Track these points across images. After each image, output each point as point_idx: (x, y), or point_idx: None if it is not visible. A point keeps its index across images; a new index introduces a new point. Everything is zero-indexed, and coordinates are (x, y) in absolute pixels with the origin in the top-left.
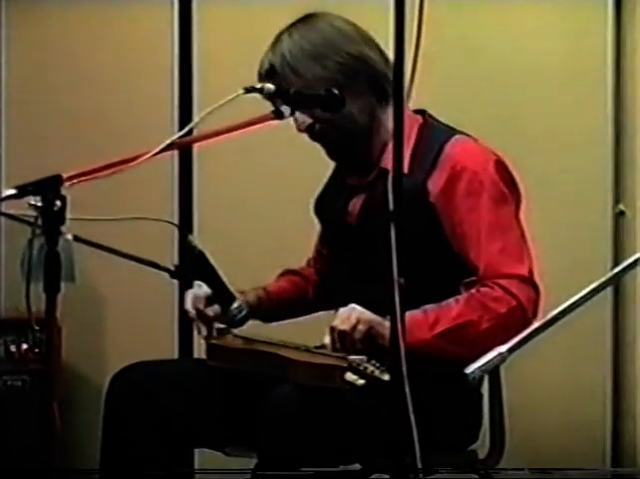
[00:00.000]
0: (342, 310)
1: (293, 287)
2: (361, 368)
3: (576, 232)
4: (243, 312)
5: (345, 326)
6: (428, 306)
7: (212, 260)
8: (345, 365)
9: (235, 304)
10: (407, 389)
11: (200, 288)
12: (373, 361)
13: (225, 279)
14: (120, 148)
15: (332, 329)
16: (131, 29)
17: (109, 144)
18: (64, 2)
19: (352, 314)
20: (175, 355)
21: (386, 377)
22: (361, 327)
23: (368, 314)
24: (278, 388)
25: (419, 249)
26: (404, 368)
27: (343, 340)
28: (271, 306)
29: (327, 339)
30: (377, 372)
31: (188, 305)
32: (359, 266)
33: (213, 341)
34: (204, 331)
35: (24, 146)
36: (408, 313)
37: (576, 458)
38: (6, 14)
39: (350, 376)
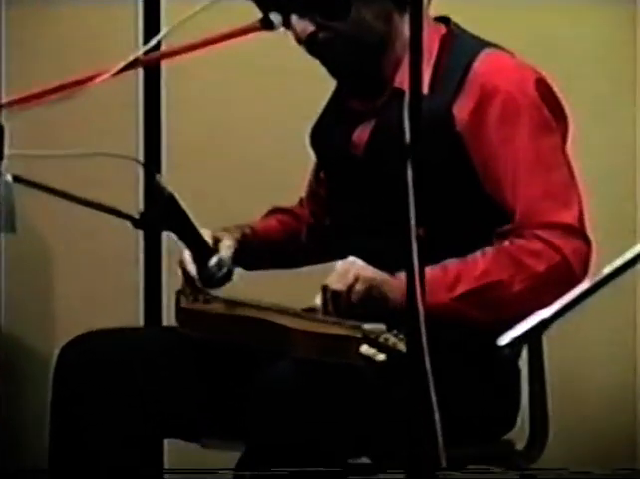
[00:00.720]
0: (339, 265)
1: (284, 228)
2: (380, 340)
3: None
4: (225, 270)
5: (339, 286)
6: (448, 262)
7: (185, 206)
8: (359, 336)
9: (214, 260)
10: (427, 364)
11: None
12: (394, 331)
13: (201, 230)
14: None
15: (324, 289)
16: None
17: None
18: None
19: (350, 271)
20: (140, 323)
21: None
22: (359, 287)
23: (369, 271)
24: (274, 365)
25: (441, 191)
26: (423, 339)
27: (337, 303)
28: (258, 249)
29: (318, 301)
30: (400, 345)
31: (194, 271)
32: (366, 209)
33: (186, 306)
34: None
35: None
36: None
37: (608, 450)
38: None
39: (367, 350)
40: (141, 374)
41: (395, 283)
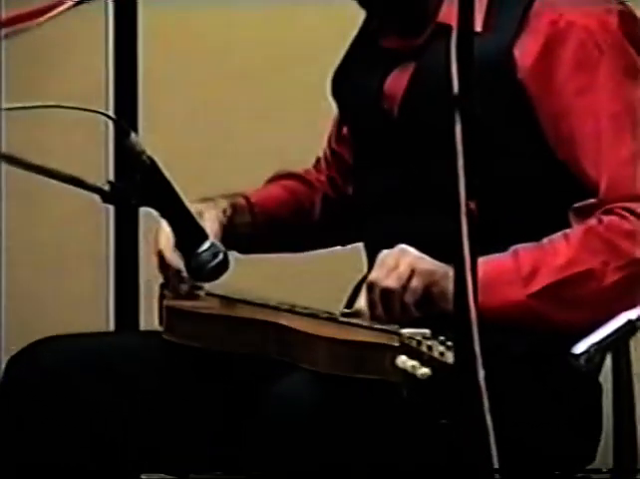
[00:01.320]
0: (386, 255)
1: (292, 198)
2: (423, 349)
3: None
4: (220, 257)
5: (392, 282)
6: (520, 247)
7: (168, 175)
8: (396, 344)
9: (206, 245)
10: (480, 378)
11: None
12: (441, 337)
13: (190, 206)
14: None
15: (371, 286)
16: None
17: None
18: None
19: (402, 262)
20: (110, 326)
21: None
22: (416, 283)
23: (427, 262)
24: (284, 381)
25: (499, 155)
26: (476, 346)
27: (388, 303)
28: (254, 226)
29: (362, 302)
30: (448, 355)
31: (168, 253)
32: (403, 179)
33: (171, 303)
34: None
35: None
36: (486, 260)
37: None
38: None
39: (406, 362)
40: (110, 392)
41: None
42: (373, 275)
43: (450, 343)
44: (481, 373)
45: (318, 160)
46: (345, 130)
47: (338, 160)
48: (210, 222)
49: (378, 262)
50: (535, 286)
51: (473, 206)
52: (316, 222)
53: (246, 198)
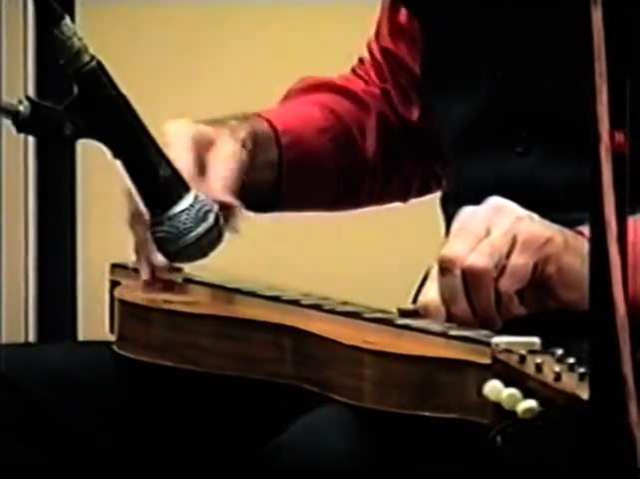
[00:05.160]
0: (470, 215)
1: (334, 123)
2: (528, 370)
3: None
4: (209, 220)
5: (482, 258)
6: None
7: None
8: (485, 361)
9: (188, 201)
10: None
11: None
12: (559, 351)
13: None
14: None
15: (447, 266)
16: None
17: None
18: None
19: (496, 224)
20: (30, 336)
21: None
22: (521, 259)
23: (538, 225)
24: (303, 420)
25: None
26: (627, 367)
27: (477, 293)
28: (282, 167)
29: (433, 292)
30: (572, 381)
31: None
32: (515, 92)
33: (130, 297)
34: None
35: None
36: (637, 220)
37: None
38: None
39: (499, 390)
40: (30, 438)
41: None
42: (450, 249)
43: (579, 364)
44: (634, 412)
45: (361, 61)
46: (403, 15)
47: (392, 64)
48: (228, 162)
49: (457, 227)
50: None
51: (621, 137)
52: (369, 160)
53: (268, 121)
